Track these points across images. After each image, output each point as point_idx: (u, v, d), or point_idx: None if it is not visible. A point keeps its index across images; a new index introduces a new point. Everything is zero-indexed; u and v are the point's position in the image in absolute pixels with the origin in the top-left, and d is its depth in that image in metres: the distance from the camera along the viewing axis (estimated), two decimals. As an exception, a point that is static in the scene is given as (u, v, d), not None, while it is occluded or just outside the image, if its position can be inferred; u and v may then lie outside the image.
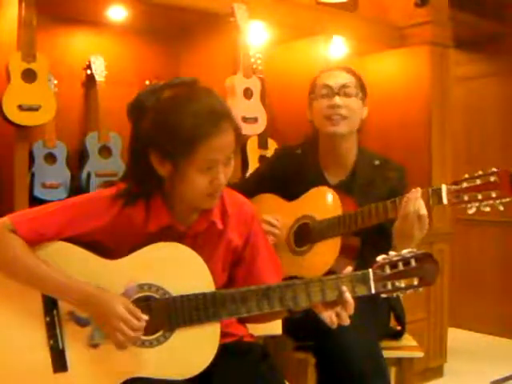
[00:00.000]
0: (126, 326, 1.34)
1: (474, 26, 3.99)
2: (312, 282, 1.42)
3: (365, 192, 2.00)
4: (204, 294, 1.41)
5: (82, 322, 1.40)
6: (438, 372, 3.44)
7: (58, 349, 1.40)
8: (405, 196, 1.78)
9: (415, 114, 3.32)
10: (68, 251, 1.42)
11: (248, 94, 2.69)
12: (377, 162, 2.06)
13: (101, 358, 1.40)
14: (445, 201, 1.74)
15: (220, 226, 1.50)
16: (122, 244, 1.45)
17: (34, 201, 2.38)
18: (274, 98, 3.10)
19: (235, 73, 2.69)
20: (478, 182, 1.68)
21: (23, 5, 2.22)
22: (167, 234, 1.45)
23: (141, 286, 1.41)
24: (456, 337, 3.93)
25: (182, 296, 1.40)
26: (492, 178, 1.65)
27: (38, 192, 2.47)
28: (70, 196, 2.46)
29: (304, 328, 1.80)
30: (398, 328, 2.10)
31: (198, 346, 1.41)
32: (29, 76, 2.23)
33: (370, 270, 1.42)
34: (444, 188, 1.74)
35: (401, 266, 1.42)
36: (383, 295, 1.44)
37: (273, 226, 2.01)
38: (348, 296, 1.40)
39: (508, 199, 1.64)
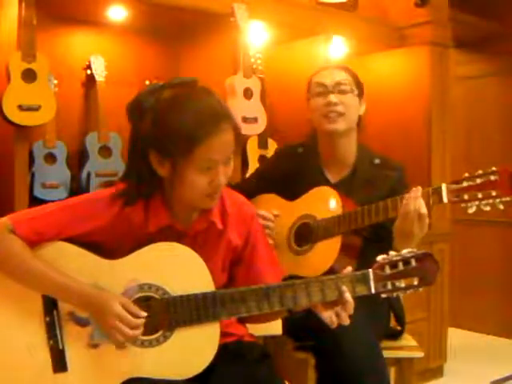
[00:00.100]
0: (122, 324, 1.34)
1: (474, 26, 4.00)
2: (312, 281, 1.42)
3: (365, 191, 2.00)
4: (204, 294, 1.41)
5: (82, 322, 1.40)
6: (438, 372, 3.44)
7: (57, 349, 1.40)
8: (405, 195, 1.78)
9: (415, 114, 3.32)
10: (68, 251, 1.42)
11: (248, 93, 2.69)
12: (377, 161, 2.06)
13: (101, 358, 1.40)
14: (445, 200, 1.74)
15: (220, 225, 1.51)
16: (121, 244, 1.45)
17: (34, 201, 2.38)
18: (274, 98, 3.10)
19: (235, 73, 2.69)
20: (478, 181, 1.68)
21: (23, 5, 2.22)
22: (167, 234, 1.45)
23: (141, 286, 1.41)
24: (456, 337, 3.93)
25: (181, 296, 1.40)
26: (492, 177, 1.65)
27: (38, 192, 2.47)
28: (69, 196, 2.46)
29: (304, 328, 1.80)
30: (398, 328, 2.11)
31: (197, 345, 1.41)
32: (29, 76, 2.23)
33: (370, 270, 1.42)
34: (444, 187, 1.74)
35: (401, 266, 1.42)
36: (383, 295, 1.44)
37: (266, 219, 2.01)
38: (348, 296, 1.40)
39: (508, 198, 1.64)
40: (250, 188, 2.11)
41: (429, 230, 1.80)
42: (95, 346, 1.40)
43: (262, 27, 2.91)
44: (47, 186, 2.50)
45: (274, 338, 1.94)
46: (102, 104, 2.70)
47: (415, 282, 1.43)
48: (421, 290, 1.44)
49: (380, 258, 1.43)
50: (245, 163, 2.93)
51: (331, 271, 1.84)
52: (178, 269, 1.43)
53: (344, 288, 1.41)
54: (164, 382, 1.39)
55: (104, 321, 1.36)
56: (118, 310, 1.35)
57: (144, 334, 1.39)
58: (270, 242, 1.95)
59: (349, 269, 1.45)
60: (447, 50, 3.38)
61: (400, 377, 2.10)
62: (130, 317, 1.35)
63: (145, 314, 1.38)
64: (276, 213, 2.04)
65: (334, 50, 3.08)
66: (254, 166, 2.89)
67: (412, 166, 2.44)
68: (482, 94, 4.38)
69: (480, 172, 1.68)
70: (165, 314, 1.40)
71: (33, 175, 2.47)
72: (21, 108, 2.20)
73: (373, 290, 1.42)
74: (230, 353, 1.50)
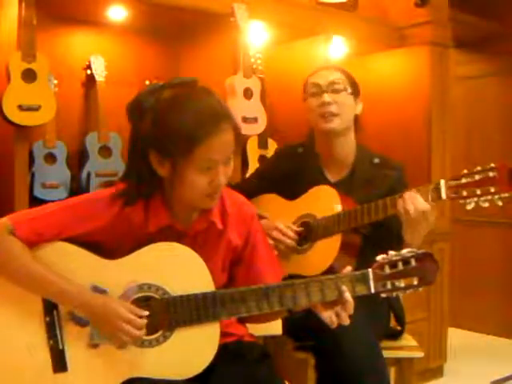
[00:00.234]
0: (130, 326, 1.35)
1: (474, 26, 3.99)
2: (311, 281, 1.42)
3: (364, 190, 2.00)
4: (204, 294, 1.41)
5: (81, 322, 1.40)
6: (438, 372, 3.44)
7: (57, 349, 1.40)
8: (405, 193, 1.79)
9: (415, 114, 3.32)
10: (68, 251, 1.42)
11: (248, 94, 2.69)
12: (376, 161, 2.07)
13: (101, 358, 1.40)
14: (443, 196, 1.74)
15: (220, 225, 1.51)
16: (121, 244, 1.45)
17: (34, 201, 2.38)
18: (274, 98, 3.10)
19: (235, 73, 2.69)
20: (477, 177, 1.68)
21: (23, 5, 2.22)
22: (167, 234, 1.45)
23: (140, 286, 1.41)
24: (456, 337, 3.93)
25: (181, 296, 1.40)
26: (491, 174, 1.65)
27: (38, 192, 2.47)
28: (70, 196, 2.46)
29: (304, 328, 1.80)
30: (398, 328, 2.11)
31: (197, 345, 1.41)
32: (29, 76, 2.23)
33: (370, 269, 1.43)
34: (443, 183, 1.75)
35: (400, 266, 1.42)
36: (383, 295, 1.44)
37: (285, 234, 2.00)
38: (348, 296, 1.40)
39: (507, 194, 1.64)
40: (250, 188, 2.12)
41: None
42: (95, 345, 1.41)
43: (262, 27, 2.91)
44: (47, 185, 2.50)
45: (274, 338, 1.94)
46: (102, 104, 2.70)
47: (415, 282, 1.43)
48: (420, 289, 1.44)
49: (380, 257, 1.43)
50: (245, 163, 2.93)
51: (331, 270, 1.84)
52: (178, 269, 1.43)
53: (344, 288, 1.41)
54: (164, 382, 1.39)
55: (107, 324, 1.36)
56: (124, 312, 1.35)
57: (145, 333, 1.39)
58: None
59: (348, 268, 1.45)
60: (447, 49, 3.38)
61: (400, 377, 2.10)
62: (135, 318, 1.36)
63: (146, 312, 1.38)
64: (299, 230, 2.02)
65: (333, 50, 3.08)
66: (254, 165, 2.89)
67: (412, 165, 2.44)
68: (482, 94, 4.38)
69: (479, 168, 1.68)
70: (165, 313, 1.40)
71: (33, 175, 2.47)
72: (21, 108, 2.20)
73: (372, 290, 1.42)
74: (230, 353, 1.51)
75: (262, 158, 2.96)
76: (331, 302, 1.43)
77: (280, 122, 3.10)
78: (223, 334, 1.46)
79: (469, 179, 1.69)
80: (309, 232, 2.00)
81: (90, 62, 2.76)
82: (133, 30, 2.92)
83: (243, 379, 1.46)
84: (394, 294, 1.43)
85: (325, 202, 1.98)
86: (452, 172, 3.33)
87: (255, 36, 2.92)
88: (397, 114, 3.39)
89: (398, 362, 2.07)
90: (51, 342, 1.40)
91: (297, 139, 2.27)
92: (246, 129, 2.65)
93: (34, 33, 2.23)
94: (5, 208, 2.26)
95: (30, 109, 2.22)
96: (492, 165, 1.67)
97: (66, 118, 2.68)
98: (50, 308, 1.41)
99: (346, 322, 1.42)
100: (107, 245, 1.45)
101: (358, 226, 1.90)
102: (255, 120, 2.71)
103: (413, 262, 1.42)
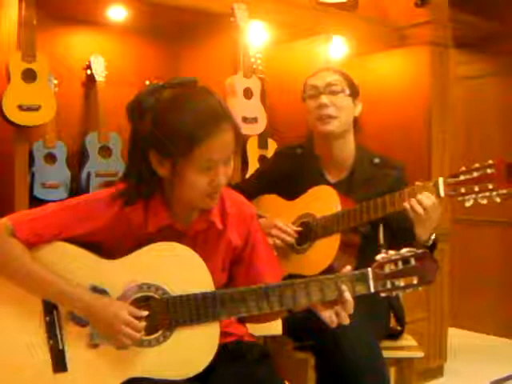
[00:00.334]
0: (129, 329, 1.35)
1: (474, 26, 3.99)
2: (311, 281, 1.42)
3: (365, 190, 2.01)
4: (203, 294, 1.41)
5: (81, 322, 1.40)
6: (438, 372, 3.44)
7: (57, 349, 1.40)
8: (404, 190, 1.80)
9: (415, 114, 3.32)
10: (67, 251, 1.42)
11: (248, 94, 2.69)
12: (376, 161, 2.07)
13: (101, 357, 1.40)
14: (442, 193, 1.75)
15: (219, 226, 1.51)
16: (121, 244, 1.45)
17: (34, 201, 2.38)
18: (273, 98, 3.10)
19: (235, 73, 2.69)
20: (475, 174, 1.69)
21: (23, 5, 2.22)
22: (166, 234, 1.45)
23: (140, 286, 1.41)
24: (456, 337, 3.93)
25: (181, 296, 1.40)
26: (489, 170, 1.66)
27: (38, 192, 2.47)
28: (70, 196, 2.46)
29: (304, 328, 1.80)
30: (398, 328, 2.11)
31: (197, 345, 1.41)
32: (29, 76, 2.23)
33: (370, 269, 1.43)
34: (441, 181, 1.75)
35: (400, 265, 1.42)
36: (383, 294, 1.44)
37: (283, 232, 2.00)
38: (347, 295, 1.40)
39: (505, 191, 1.65)
40: (250, 188, 2.12)
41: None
42: (95, 346, 1.41)
43: (262, 27, 2.91)
44: (47, 186, 2.50)
45: (274, 338, 1.95)
46: (102, 104, 2.70)
47: (414, 281, 1.43)
48: (420, 289, 1.44)
49: (379, 256, 1.43)
50: (245, 163, 2.93)
51: (331, 269, 1.85)
52: (178, 269, 1.43)
53: (343, 287, 1.41)
54: (164, 381, 1.39)
55: (107, 325, 1.37)
56: (122, 314, 1.36)
57: (144, 334, 1.39)
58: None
59: (348, 268, 1.45)
60: (447, 50, 3.37)
61: (400, 377, 2.10)
62: (135, 321, 1.36)
63: (146, 313, 1.38)
64: (298, 229, 2.03)
65: (334, 50, 3.08)
66: (254, 165, 2.89)
67: (412, 165, 2.44)
68: (482, 94, 4.37)
69: (477, 165, 1.69)
70: (164, 313, 1.40)
71: (33, 175, 2.47)
72: (21, 108, 2.20)
73: (372, 289, 1.42)
74: (230, 353, 1.51)
75: (261, 158, 2.96)
76: (331, 301, 1.43)
77: (280, 121, 3.10)
78: (223, 334, 1.46)
79: (467, 176, 1.70)
80: (308, 232, 2.00)
81: (89, 61, 2.76)
82: (133, 29, 2.92)
83: (243, 379, 1.46)
84: (394, 293, 1.44)
85: (324, 201, 1.99)
86: (452, 171, 3.32)
87: (255, 36, 2.92)
88: (397, 114, 3.39)
89: (398, 362, 2.07)
90: (51, 341, 1.40)
91: (297, 139, 2.27)
92: (246, 129, 2.65)
93: (34, 33, 2.23)
94: (5, 208, 2.26)
95: (30, 109, 2.22)
96: (490, 161, 1.68)
97: (66, 118, 2.68)
98: (49, 308, 1.41)
99: (346, 321, 1.42)
100: (107, 245, 1.45)
101: (357, 225, 1.91)
102: (255, 120, 2.71)
103: (412, 262, 1.42)
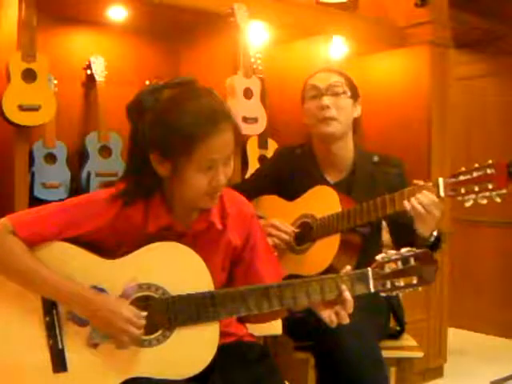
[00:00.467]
0: (129, 325, 1.35)
1: (474, 26, 4.00)
2: (311, 281, 1.43)
3: (365, 189, 2.01)
4: (203, 294, 1.41)
5: (81, 322, 1.40)
6: (438, 372, 3.44)
7: (57, 349, 1.40)
8: (404, 190, 1.80)
9: (415, 114, 3.32)
10: (68, 251, 1.42)
11: (248, 94, 2.69)
12: (375, 159, 2.07)
13: (100, 357, 1.40)
14: (442, 194, 1.75)
15: (219, 226, 1.50)
16: (121, 244, 1.45)
17: (34, 201, 2.38)
18: (273, 98, 3.10)
19: (235, 73, 2.69)
20: (475, 174, 1.69)
21: (23, 5, 2.22)
22: (166, 234, 1.45)
23: (140, 286, 1.41)
24: (456, 337, 3.93)
25: (181, 295, 1.40)
26: (488, 170, 1.67)
27: (38, 192, 2.47)
28: (70, 196, 2.46)
29: (304, 328, 1.80)
30: (398, 328, 2.11)
31: (197, 345, 1.41)
32: (29, 76, 2.23)
33: (369, 268, 1.43)
34: (441, 181, 1.76)
35: (400, 265, 1.42)
36: (382, 294, 1.44)
37: (280, 230, 2.00)
38: (347, 295, 1.40)
39: (504, 191, 1.65)
40: (250, 188, 2.11)
41: None
42: (95, 345, 1.40)
43: (262, 27, 2.91)
44: (47, 186, 2.50)
45: (274, 337, 1.94)
46: (102, 104, 2.71)
47: (414, 281, 1.43)
48: (420, 289, 1.44)
49: (379, 256, 1.44)
50: (245, 163, 2.93)
51: (331, 269, 1.85)
52: (178, 268, 1.43)
53: (343, 287, 1.41)
54: (164, 381, 1.39)
55: (107, 323, 1.36)
56: (123, 311, 1.36)
57: (144, 333, 1.39)
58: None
59: (348, 268, 1.46)
60: (447, 50, 3.38)
61: (400, 377, 2.10)
62: (135, 318, 1.36)
63: (145, 313, 1.38)
64: (296, 230, 2.03)
65: (334, 50, 3.08)
66: (254, 165, 2.89)
67: (412, 165, 2.44)
68: (482, 93, 4.38)
69: (476, 165, 1.69)
70: (164, 313, 1.40)
71: (33, 175, 2.47)
72: (21, 108, 2.21)
73: (372, 289, 1.43)
74: (230, 353, 1.51)
75: (262, 158, 2.97)
76: (331, 301, 1.43)
77: (280, 121, 3.10)
78: (223, 334, 1.46)
79: (467, 176, 1.70)
80: (308, 232, 2.00)
81: (89, 62, 2.76)
82: (133, 29, 2.93)
83: (243, 379, 1.46)
84: (394, 293, 1.44)
85: (324, 202, 1.98)
86: (452, 172, 3.32)
87: (255, 36, 2.92)
88: (397, 114, 3.39)
89: (398, 362, 2.07)
90: (51, 341, 1.40)
91: (297, 139, 2.27)
92: (246, 129, 2.65)
93: (34, 33, 2.23)
94: (5, 208, 2.26)
95: (30, 109, 2.22)
96: (490, 161, 1.68)
97: (66, 118, 2.68)
98: (49, 308, 1.41)
99: (346, 320, 1.42)
100: (107, 245, 1.45)
101: (357, 225, 1.91)
102: (255, 120, 2.71)
103: (412, 262, 1.42)
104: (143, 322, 1.37)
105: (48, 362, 1.40)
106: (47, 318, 1.41)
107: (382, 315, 2.04)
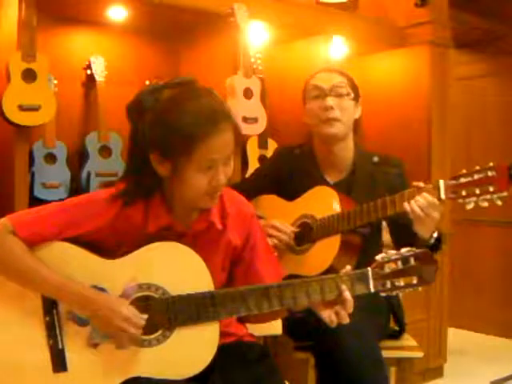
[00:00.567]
0: (127, 324, 1.35)
1: (474, 26, 4.00)
2: (311, 281, 1.43)
3: (365, 189, 2.01)
4: (203, 294, 1.41)
5: (81, 322, 1.40)
6: (438, 372, 3.44)
7: (57, 348, 1.40)
8: (405, 191, 1.79)
9: (415, 114, 3.32)
10: (68, 251, 1.42)
11: (248, 94, 2.69)
12: (375, 159, 2.07)
13: (100, 357, 1.40)
14: (443, 196, 1.75)
15: (219, 226, 1.50)
16: (121, 244, 1.45)
17: (34, 201, 2.38)
18: (273, 98, 3.10)
19: (235, 73, 2.69)
20: (476, 177, 1.69)
21: (23, 5, 2.22)
22: (166, 234, 1.45)
23: (140, 286, 1.41)
24: (456, 337, 3.93)
25: (181, 295, 1.40)
26: (489, 173, 1.66)
27: (38, 192, 2.47)
28: (70, 196, 2.46)
29: (304, 328, 1.80)
30: (398, 328, 2.11)
31: (197, 345, 1.41)
32: (29, 76, 2.23)
33: (369, 268, 1.43)
34: (442, 183, 1.75)
35: (400, 265, 1.42)
36: (382, 294, 1.44)
37: (280, 231, 2.00)
38: (347, 295, 1.41)
39: (505, 193, 1.65)
40: (249, 188, 2.11)
41: None
42: (95, 345, 1.41)
43: (262, 27, 2.91)
44: (47, 186, 2.50)
45: (274, 337, 1.94)
46: (102, 104, 2.71)
47: (414, 281, 1.43)
48: (420, 288, 1.44)
49: (379, 256, 1.44)
50: (245, 163, 2.93)
51: (331, 269, 1.85)
52: (178, 268, 1.43)
53: (343, 287, 1.41)
54: (164, 381, 1.39)
55: (106, 322, 1.36)
56: (122, 310, 1.36)
57: (144, 333, 1.39)
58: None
59: (348, 268, 1.46)
60: (447, 50, 3.38)
61: (400, 377, 2.10)
62: (134, 318, 1.36)
63: (145, 316, 1.38)
64: (296, 230, 2.03)
65: (334, 50, 3.08)
66: (254, 165, 2.89)
67: (412, 165, 2.44)
68: (482, 94, 4.38)
69: (477, 168, 1.69)
70: (164, 313, 1.40)
71: (33, 175, 2.47)
72: (21, 108, 2.21)
73: (372, 289, 1.43)
74: (230, 353, 1.51)
75: (261, 158, 2.97)
76: (331, 301, 1.43)
77: (280, 121, 3.10)
78: (223, 334, 1.46)
79: (468, 179, 1.70)
80: (308, 232, 2.00)
81: (89, 62, 2.76)
82: (133, 29, 2.93)
83: (243, 379, 1.46)
84: (394, 292, 1.44)
85: (324, 202, 1.98)
86: (452, 172, 3.33)
87: (255, 36, 2.92)
88: (397, 114, 3.39)
89: (398, 362, 2.07)
90: (51, 341, 1.40)
91: (297, 139, 2.27)
92: (246, 129, 2.65)
93: (34, 33, 2.23)
94: (5, 208, 2.26)
95: (30, 109, 2.22)
96: (491, 164, 1.68)
97: (66, 118, 2.68)
98: (49, 307, 1.41)
99: (346, 320, 1.42)
100: (107, 245, 1.45)
101: (357, 226, 1.90)
102: (255, 120, 2.71)
103: (412, 262, 1.42)
104: (142, 322, 1.37)
105: (48, 362, 1.40)
106: (47, 318, 1.41)
107: (382, 315, 2.04)
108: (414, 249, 1.43)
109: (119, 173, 2.53)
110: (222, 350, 1.43)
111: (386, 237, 2.10)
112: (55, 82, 2.57)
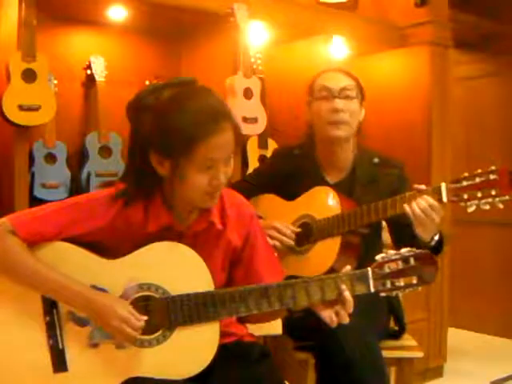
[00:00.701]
0: (125, 325, 1.35)
1: (474, 26, 4.00)
2: (311, 281, 1.43)
3: (365, 190, 2.00)
4: (203, 294, 1.41)
5: (81, 322, 1.40)
6: (438, 372, 3.44)
7: (57, 349, 1.40)
8: (406, 194, 1.79)
9: (415, 114, 3.32)
10: (68, 251, 1.42)
11: (248, 94, 2.69)
12: (376, 160, 2.07)
13: (100, 357, 1.40)
14: (444, 199, 1.74)
15: (219, 226, 1.50)
16: (121, 244, 1.45)
17: (34, 201, 2.38)
18: (273, 98, 3.10)
19: (235, 73, 2.69)
20: (478, 180, 1.68)
21: (23, 5, 2.22)
22: (166, 234, 1.45)
23: (140, 286, 1.41)
24: (456, 337, 3.93)
25: (181, 295, 1.41)
26: (492, 176, 1.66)
27: (38, 192, 2.47)
28: (70, 196, 2.46)
29: (304, 328, 1.80)
30: (398, 328, 2.11)
31: (197, 345, 1.41)
32: (29, 76, 2.23)
33: (369, 268, 1.43)
34: (444, 186, 1.75)
35: (400, 265, 1.42)
36: (382, 294, 1.44)
37: (281, 232, 2.00)
38: (347, 295, 1.41)
39: (507, 197, 1.65)
40: (248, 188, 2.11)
41: None
42: (95, 345, 1.41)
43: (262, 27, 2.91)
44: (47, 186, 2.50)
45: (274, 338, 1.94)
46: (102, 104, 2.70)
47: (414, 281, 1.43)
48: (420, 289, 1.44)
49: (379, 256, 1.44)
50: (245, 163, 2.93)
51: (331, 271, 1.84)
52: (178, 268, 1.43)
53: (343, 287, 1.41)
54: (164, 381, 1.39)
55: (105, 322, 1.36)
56: (122, 312, 1.35)
57: (144, 333, 1.39)
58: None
59: (348, 268, 1.46)
60: (447, 49, 3.37)
61: (400, 377, 2.10)
62: (133, 319, 1.36)
63: (145, 317, 1.38)
64: (297, 230, 2.03)
65: (334, 50, 3.08)
66: (254, 166, 2.89)
67: (412, 166, 2.44)
68: (482, 94, 4.37)
69: (479, 171, 1.69)
70: (164, 313, 1.40)
71: (33, 175, 2.47)
72: (21, 108, 2.20)
73: (372, 289, 1.43)
74: (230, 353, 1.50)
75: (261, 158, 2.97)
76: (331, 301, 1.43)
77: (280, 122, 3.10)
78: (223, 334, 1.46)
79: (470, 182, 1.70)
80: (308, 233, 2.00)
81: (90, 61, 2.76)
82: (133, 29, 2.92)
83: (243, 379, 1.46)
84: (394, 293, 1.44)
85: (324, 202, 1.98)
86: (452, 172, 3.33)
87: (255, 36, 2.92)
88: (397, 114, 3.39)
89: (398, 362, 2.07)
90: (51, 341, 1.40)
91: (296, 139, 2.27)
92: (246, 129, 2.65)
93: (34, 33, 2.23)
94: (5, 208, 2.26)
95: (30, 109, 2.22)
96: (493, 167, 1.67)
97: (66, 118, 2.68)
98: (49, 308, 1.41)
99: (346, 320, 1.42)
100: (107, 244, 1.45)
101: (357, 227, 1.90)
102: (255, 120, 2.71)
103: (412, 262, 1.42)
104: (141, 323, 1.37)
105: (48, 362, 1.40)
106: (47, 318, 1.41)
107: (382, 315, 2.04)
108: (414, 249, 1.44)
109: (119, 173, 2.51)
110: (222, 349, 1.43)
111: (386, 236, 2.10)
112: (55, 82, 2.57)
